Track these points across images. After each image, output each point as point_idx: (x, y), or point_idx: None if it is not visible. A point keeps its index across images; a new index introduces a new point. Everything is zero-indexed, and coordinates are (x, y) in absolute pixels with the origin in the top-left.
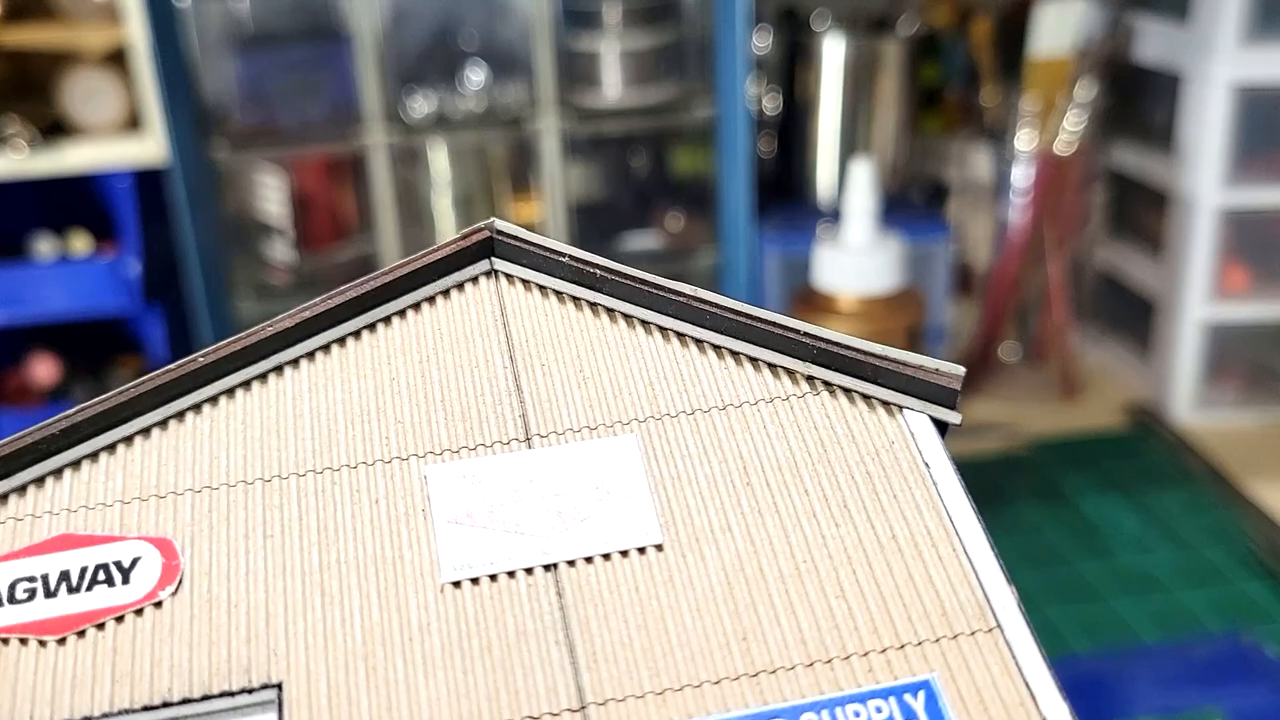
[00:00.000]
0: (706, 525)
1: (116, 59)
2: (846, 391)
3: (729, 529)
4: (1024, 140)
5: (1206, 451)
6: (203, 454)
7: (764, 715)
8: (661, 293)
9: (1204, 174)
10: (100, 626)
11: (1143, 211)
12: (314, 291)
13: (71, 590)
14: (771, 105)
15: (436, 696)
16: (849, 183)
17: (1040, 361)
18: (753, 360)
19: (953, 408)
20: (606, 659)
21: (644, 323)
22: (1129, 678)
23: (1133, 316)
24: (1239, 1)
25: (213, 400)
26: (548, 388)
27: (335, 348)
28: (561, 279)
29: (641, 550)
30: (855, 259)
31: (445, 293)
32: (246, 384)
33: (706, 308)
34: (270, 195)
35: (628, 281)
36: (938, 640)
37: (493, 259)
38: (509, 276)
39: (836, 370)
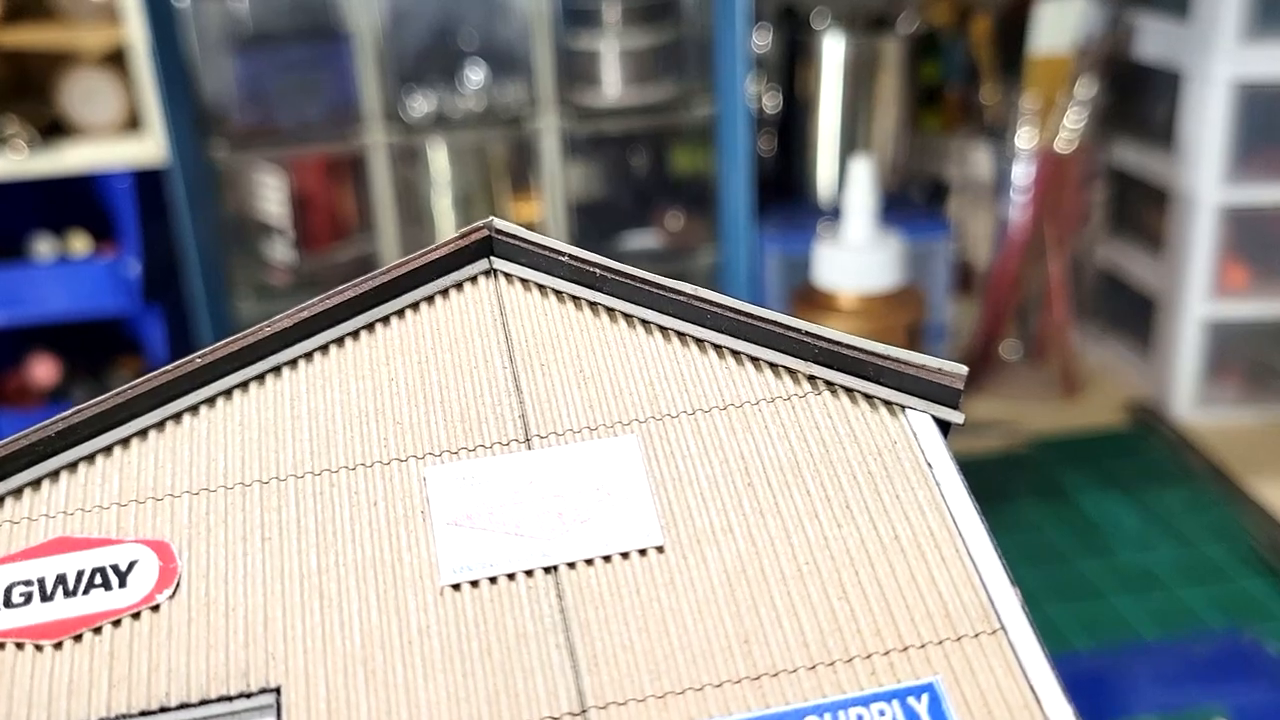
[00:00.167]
0: (708, 526)
1: (116, 59)
2: (848, 391)
3: (730, 530)
4: (1024, 138)
5: (1207, 449)
6: (200, 456)
7: (766, 719)
8: (662, 292)
9: (1204, 172)
10: (97, 631)
11: (1143, 209)
12: (314, 291)
13: (68, 594)
14: (771, 104)
15: (436, 700)
16: (849, 181)
17: (1041, 359)
18: (754, 360)
19: (955, 407)
20: (607, 662)
21: (644, 322)
22: (1130, 675)
23: (1133, 314)
24: None
25: (210, 402)
26: (547, 388)
27: (334, 348)
28: (561, 278)
29: (642, 552)
30: (855, 257)
31: (444, 292)
32: (244, 385)
33: (707, 307)
34: (270, 195)
35: (628, 281)
36: (941, 642)
37: (492, 258)
38: (508, 276)
39: (838, 370)
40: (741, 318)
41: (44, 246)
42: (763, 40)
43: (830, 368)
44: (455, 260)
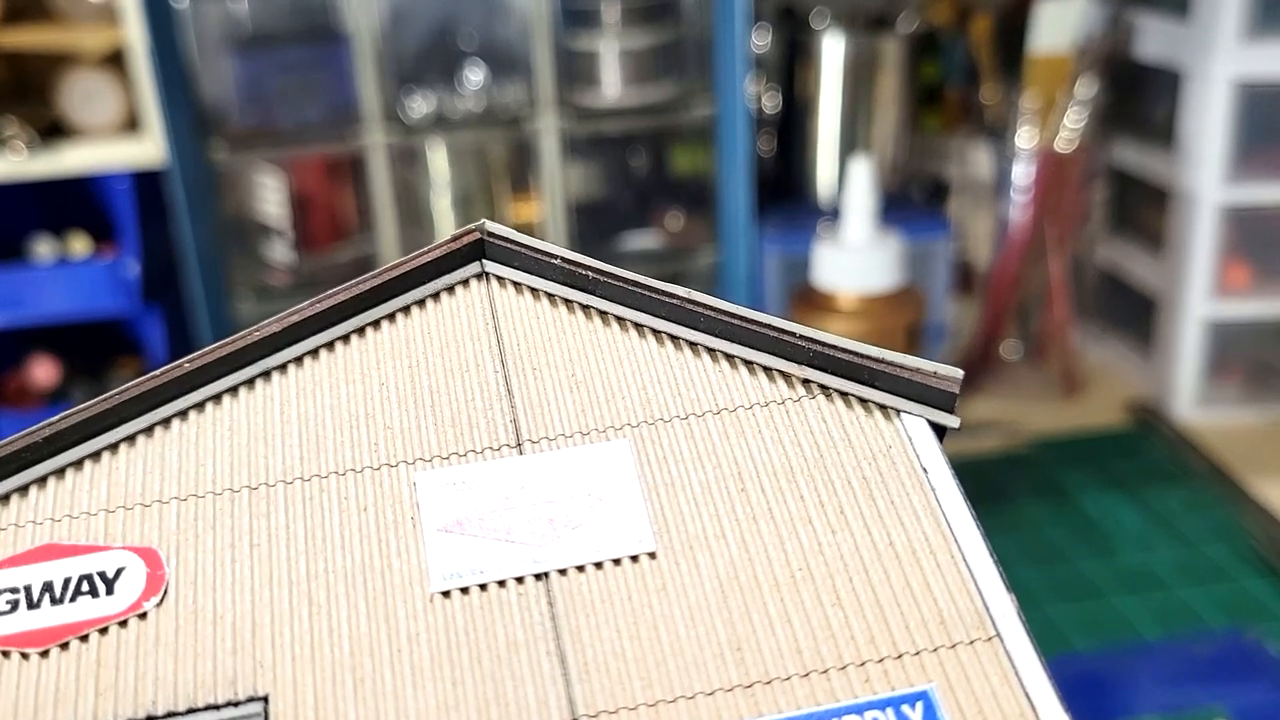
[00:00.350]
0: (700, 532)
1: (115, 60)
2: (843, 395)
3: (723, 536)
4: (1024, 138)
5: (1208, 449)
6: (189, 461)
7: None
8: (655, 295)
9: (1205, 171)
10: (84, 638)
11: (1144, 209)
12: (314, 292)
13: (55, 601)
14: (771, 104)
15: (425, 709)
16: (848, 181)
17: (1041, 359)
18: (747, 363)
19: (951, 411)
20: (598, 670)
21: (637, 326)
22: (1131, 676)
23: (1134, 314)
24: None
25: (199, 407)
26: (539, 392)
27: (324, 352)
28: (553, 281)
29: (634, 558)
30: (855, 257)
31: (435, 296)
32: (234, 390)
33: (700, 310)
34: (269, 196)
35: (620, 284)
36: (936, 649)
37: (484, 261)
38: (500, 279)
39: (832, 373)
40: (735, 321)
41: (44, 248)
42: (762, 40)
43: (824, 371)
44: (447, 263)
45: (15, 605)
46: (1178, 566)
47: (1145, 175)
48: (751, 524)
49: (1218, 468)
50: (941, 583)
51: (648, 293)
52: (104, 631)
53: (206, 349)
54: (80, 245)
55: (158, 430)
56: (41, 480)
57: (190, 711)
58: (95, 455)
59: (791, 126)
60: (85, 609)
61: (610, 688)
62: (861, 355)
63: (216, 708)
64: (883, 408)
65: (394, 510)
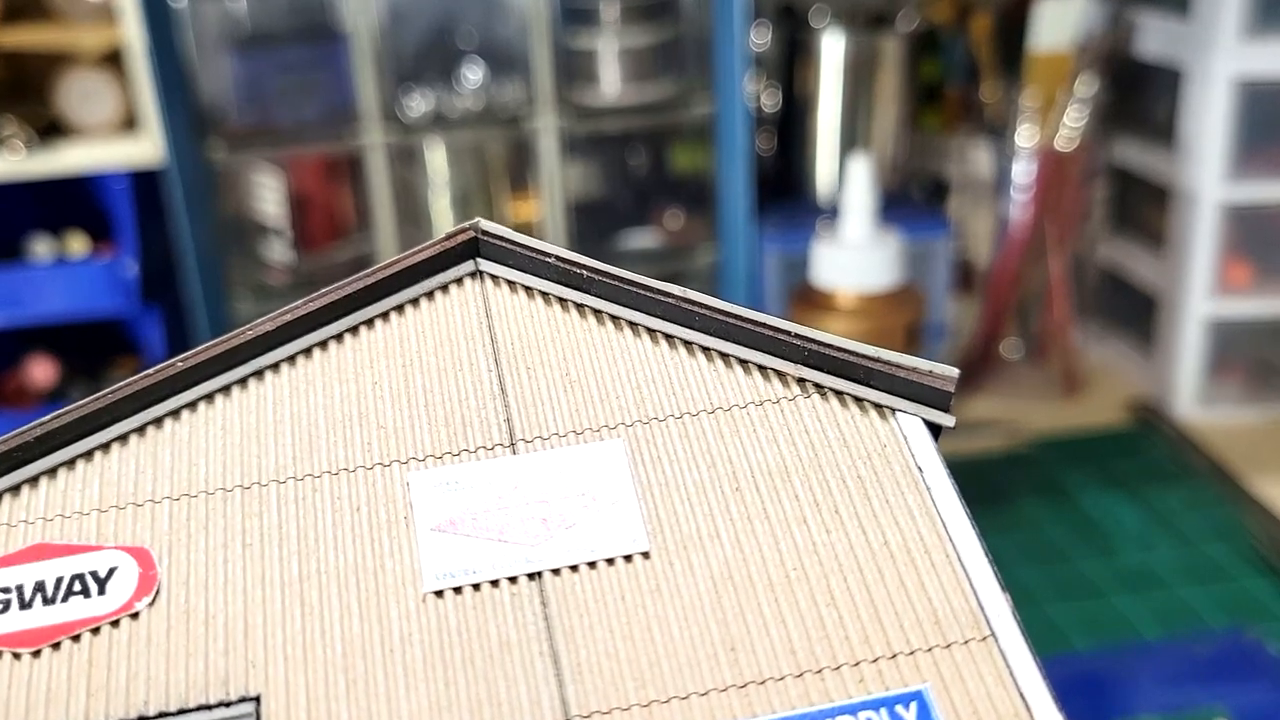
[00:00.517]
0: (694, 532)
1: (113, 60)
2: (838, 394)
3: (717, 536)
4: (1025, 136)
5: (1209, 448)
6: (181, 461)
7: None
8: (650, 294)
9: (1206, 169)
10: (76, 639)
11: (1144, 207)
12: (312, 292)
13: (47, 601)
14: (770, 102)
15: (418, 709)
16: (847, 179)
17: (1042, 358)
18: (742, 362)
19: (946, 410)
20: (592, 670)
21: (632, 324)
22: (1131, 675)
23: (1135, 313)
24: None
25: (191, 406)
26: (533, 391)
27: (317, 351)
28: (548, 280)
29: (628, 558)
30: (854, 255)
31: (429, 294)
32: (226, 389)
33: (695, 309)
34: (268, 195)
35: (615, 282)
36: (930, 649)
37: (478, 260)
38: (494, 278)
39: (827, 372)
40: (730, 320)
41: (42, 247)
42: (762, 38)
43: (819, 370)
44: (441, 262)
45: (7, 605)
46: (1178, 566)
47: (1146, 174)
48: (746, 524)
49: (1218, 467)
50: (936, 582)
51: (643, 291)
52: (96, 631)
53: (199, 348)
54: (78, 245)
55: (150, 429)
56: (34, 480)
57: (182, 712)
58: (88, 454)
59: (791, 125)
60: (77, 609)
61: (603, 688)
62: (857, 354)
63: (208, 708)
64: (878, 407)
65: (387, 510)
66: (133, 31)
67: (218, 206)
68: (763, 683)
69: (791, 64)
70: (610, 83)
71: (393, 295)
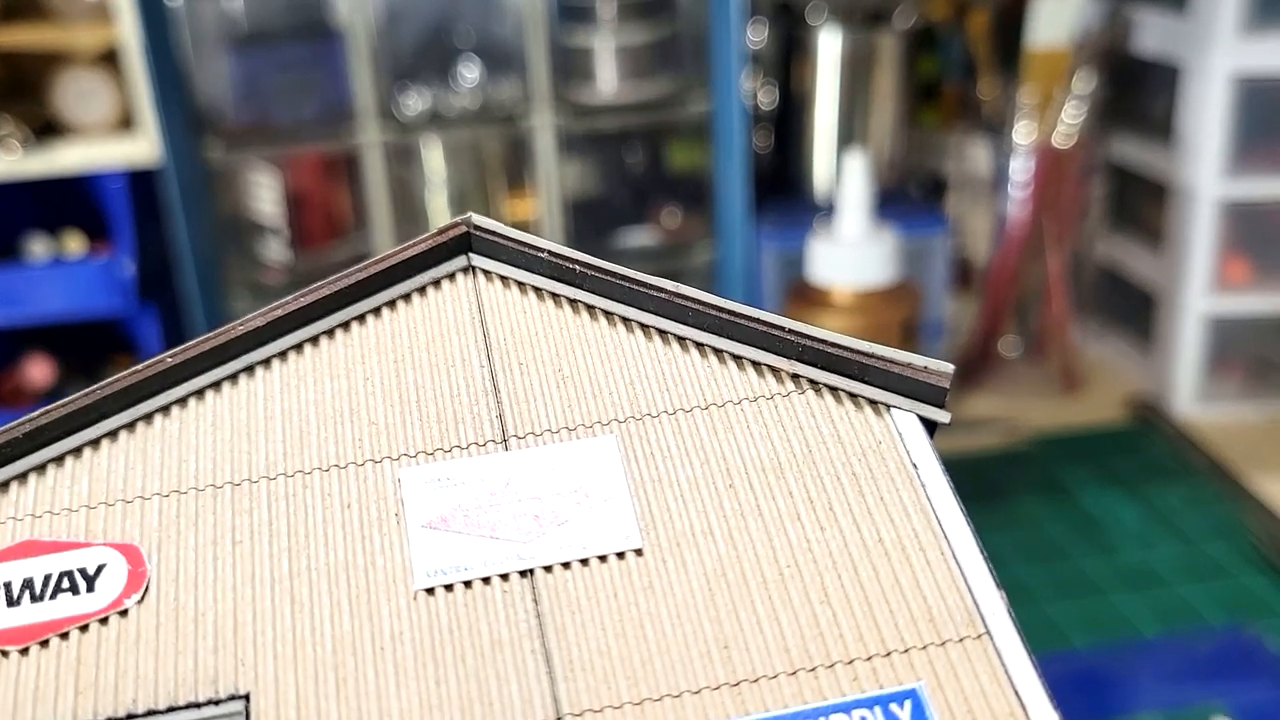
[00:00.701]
0: (688, 529)
1: (109, 59)
2: (832, 390)
3: (711, 532)
4: (1022, 133)
5: (1208, 445)
6: (171, 457)
7: None
8: (643, 289)
9: (1204, 166)
10: (64, 636)
11: (1143, 204)
12: None
13: (35, 598)
14: (767, 100)
15: (408, 708)
16: (843, 175)
17: (1041, 356)
18: (736, 358)
19: (942, 406)
20: (584, 668)
21: (625, 320)
22: (1130, 672)
23: (1133, 310)
24: None
25: (181, 402)
26: (525, 387)
27: (308, 347)
28: (540, 275)
29: (621, 555)
30: (850, 252)
31: (421, 290)
32: (216, 385)
33: (689, 304)
34: (264, 194)
35: (608, 278)
36: (925, 647)
37: (470, 255)
38: (487, 273)
39: (822, 368)
40: (724, 315)
41: (39, 247)
42: (758, 35)
43: (814, 366)
44: (433, 257)
45: None
46: (1178, 563)
47: (1144, 170)
48: (740, 520)
49: (1218, 464)
50: (931, 580)
51: (636, 287)
52: (85, 629)
53: (189, 343)
54: (75, 244)
55: (140, 425)
56: (22, 476)
57: (171, 710)
58: (77, 451)
59: (788, 122)
60: (66, 606)
61: (596, 686)
62: (851, 350)
63: (197, 706)
64: (873, 403)
65: (378, 507)
66: (129, 31)
67: (214, 205)
68: (756, 681)
69: (788, 61)
70: (607, 80)
71: (385, 290)
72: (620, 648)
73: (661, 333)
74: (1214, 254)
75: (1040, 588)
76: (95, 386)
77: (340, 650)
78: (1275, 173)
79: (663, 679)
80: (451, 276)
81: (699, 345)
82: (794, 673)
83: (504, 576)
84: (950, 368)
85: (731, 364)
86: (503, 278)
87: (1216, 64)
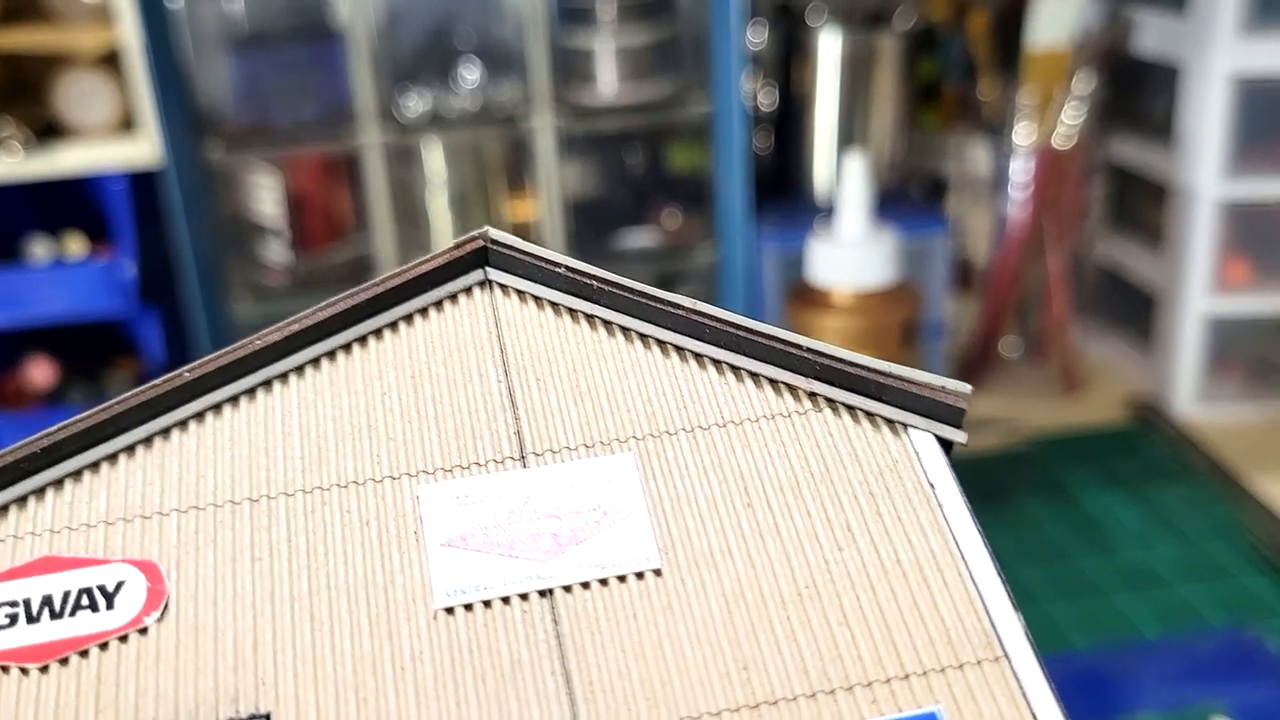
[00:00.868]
0: (706, 549)
1: (110, 61)
2: (849, 409)
3: (729, 552)
4: (1022, 134)
5: (1208, 445)
6: (189, 473)
7: None
8: (660, 305)
9: (1204, 166)
10: (84, 654)
11: (1143, 204)
12: (310, 292)
13: (54, 616)
14: (768, 101)
15: None
16: (843, 176)
17: (1041, 356)
18: (753, 375)
19: (959, 426)
20: (604, 689)
21: (642, 336)
22: (1130, 673)
23: (1133, 310)
24: None
25: (199, 417)
26: (543, 403)
27: (325, 362)
28: (557, 290)
29: (639, 575)
30: (849, 253)
31: (438, 304)
32: (234, 400)
33: (706, 321)
34: (265, 196)
35: (626, 294)
36: (943, 670)
37: (487, 269)
38: (503, 287)
39: (839, 386)
40: (741, 333)
41: (40, 249)
42: (758, 37)
43: (831, 384)
44: (449, 271)
45: (14, 619)
46: (1178, 564)
47: (1144, 171)
48: (758, 540)
49: (1218, 464)
50: (949, 602)
51: (653, 303)
52: (104, 647)
53: (206, 358)
54: (76, 246)
55: (157, 441)
56: (39, 491)
57: None
58: (94, 466)
59: (788, 123)
60: (85, 623)
61: (615, 708)
62: (868, 368)
63: None
64: (889, 422)
65: (396, 524)
66: (130, 32)
67: (215, 207)
68: (775, 703)
69: (788, 62)
70: (607, 82)
71: (401, 305)
72: (640, 669)
73: (679, 349)
74: (1214, 254)
75: (1040, 588)
76: (112, 401)
77: (361, 670)
78: (1275, 173)
79: (682, 701)
80: (468, 291)
81: (716, 362)
82: (813, 695)
83: (523, 596)
84: (967, 388)
85: (749, 381)
86: (519, 292)
87: (1216, 64)
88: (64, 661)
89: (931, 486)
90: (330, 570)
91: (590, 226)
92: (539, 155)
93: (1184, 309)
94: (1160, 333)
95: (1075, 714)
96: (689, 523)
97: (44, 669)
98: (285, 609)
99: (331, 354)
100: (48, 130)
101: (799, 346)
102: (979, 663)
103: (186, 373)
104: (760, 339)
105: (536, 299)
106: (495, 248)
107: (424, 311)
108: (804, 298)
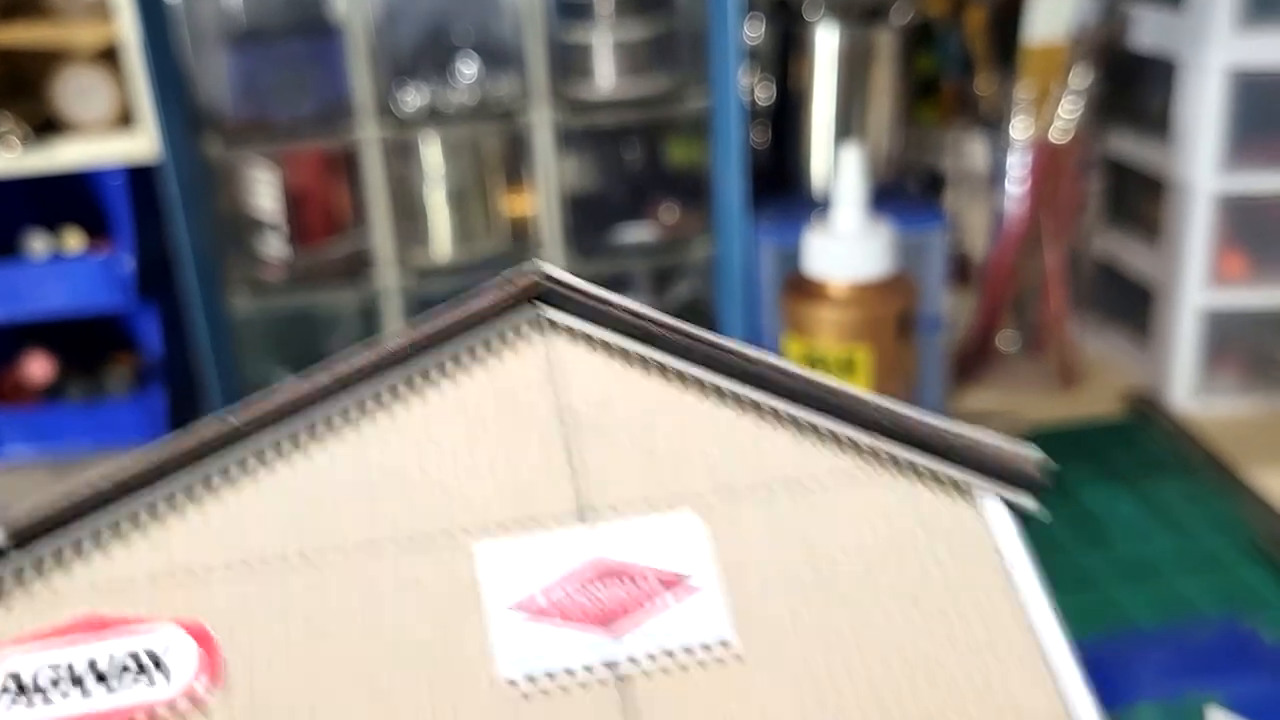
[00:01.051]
0: (778, 621)
1: (108, 56)
2: (916, 469)
3: (800, 624)
4: (1020, 129)
5: (1205, 439)
6: (236, 526)
7: None
8: (720, 352)
9: (1201, 160)
10: None
11: (1140, 199)
12: (309, 287)
13: (101, 681)
14: (765, 96)
15: None
16: (838, 168)
17: (1038, 351)
18: (820, 431)
19: (1032, 492)
20: None
21: (701, 384)
22: (1126, 664)
23: (1131, 304)
24: None
25: (244, 466)
26: (602, 454)
27: (373, 407)
28: (615, 332)
29: (710, 646)
30: (845, 244)
31: (490, 345)
32: (280, 448)
33: (771, 373)
34: (263, 191)
35: (685, 339)
36: None
37: (540, 306)
38: (558, 327)
39: (908, 445)
40: (808, 387)
41: (38, 244)
42: (756, 32)
43: (900, 443)
44: (502, 310)
45: (57, 682)
46: (1175, 556)
47: (1141, 165)
48: (828, 612)
49: (1215, 458)
50: (1021, 679)
51: (714, 350)
52: (152, 717)
53: (251, 402)
54: (75, 241)
55: (201, 491)
56: (79, 545)
57: None
58: (135, 518)
59: (786, 118)
60: (134, 692)
61: None
62: (938, 429)
63: None
64: (959, 485)
65: (453, 584)
66: (127, 28)
67: (214, 202)
68: None
69: (786, 57)
70: (605, 77)
71: (452, 345)
72: None
73: (738, 398)
74: (1211, 248)
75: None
76: (154, 449)
77: None
78: (1272, 167)
79: None
80: (522, 332)
81: (780, 415)
82: None
83: (589, 668)
84: (1039, 454)
85: (815, 437)
86: (575, 334)
87: (1213, 59)
88: None
89: (1001, 555)
90: (386, 633)
91: (588, 221)
92: (536, 150)
93: (1181, 303)
94: (1157, 327)
95: None
96: (759, 592)
97: None
98: (342, 677)
99: (379, 398)
100: (46, 125)
101: (868, 404)
102: None
103: (231, 418)
104: (827, 394)
105: (592, 340)
106: (550, 286)
107: (476, 352)
108: (800, 289)
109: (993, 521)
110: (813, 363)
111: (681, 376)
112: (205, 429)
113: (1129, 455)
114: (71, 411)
